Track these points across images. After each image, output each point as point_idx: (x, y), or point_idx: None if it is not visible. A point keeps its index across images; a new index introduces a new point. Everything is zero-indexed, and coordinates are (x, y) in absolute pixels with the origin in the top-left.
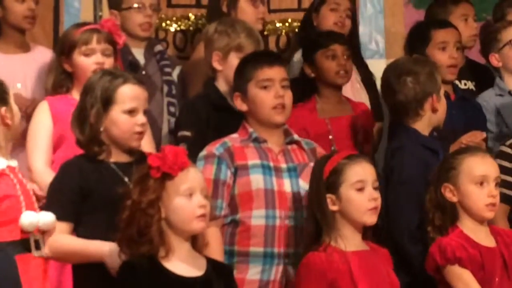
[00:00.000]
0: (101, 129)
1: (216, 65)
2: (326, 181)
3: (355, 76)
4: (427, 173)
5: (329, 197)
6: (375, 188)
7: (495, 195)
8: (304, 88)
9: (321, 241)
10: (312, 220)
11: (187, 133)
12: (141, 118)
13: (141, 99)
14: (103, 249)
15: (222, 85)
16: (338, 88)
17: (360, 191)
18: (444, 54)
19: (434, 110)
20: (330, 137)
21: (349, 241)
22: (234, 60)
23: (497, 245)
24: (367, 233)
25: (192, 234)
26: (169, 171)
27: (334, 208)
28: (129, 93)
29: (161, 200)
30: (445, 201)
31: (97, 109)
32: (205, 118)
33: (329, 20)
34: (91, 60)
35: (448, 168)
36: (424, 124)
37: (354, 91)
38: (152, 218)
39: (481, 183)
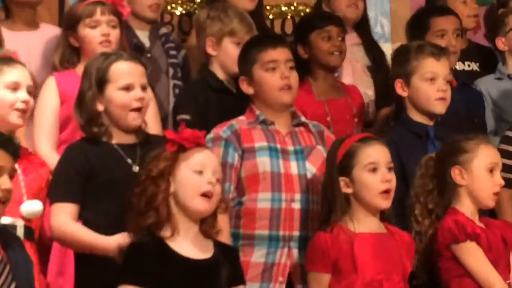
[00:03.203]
0: (99, 109)
1: (210, 50)
2: (339, 164)
3: (361, 62)
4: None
5: (343, 180)
6: (389, 170)
7: (502, 183)
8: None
9: (330, 222)
10: (326, 203)
11: (186, 117)
12: (138, 93)
13: (135, 74)
14: (112, 244)
15: (217, 70)
16: (331, 70)
17: (373, 173)
18: (442, 42)
19: (401, 95)
20: (328, 119)
21: (362, 223)
22: (228, 45)
23: (490, 229)
24: (387, 217)
25: (196, 214)
26: (183, 142)
27: (348, 190)
28: (122, 70)
29: (172, 174)
30: (449, 182)
31: (92, 91)
32: (203, 101)
33: (341, 3)
34: (97, 32)
35: (459, 150)
36: (411, 109)
37: (356, 77)
38: (159, 188)
39: (491, 170)
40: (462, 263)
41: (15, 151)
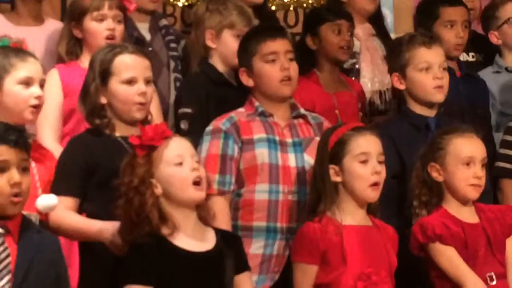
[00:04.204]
0: (102, 102)
1: (210, 43)
2: (330, 152)
3: (380, 53)
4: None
5: (333, 168)
6: (379, 162)
7: (481, 176)
8: (302, 60)
9: (317, 211)
10: (314, 191)
11: (188, 110)
12: (141, 87)
13: (139, 68)
14: (104, 229)
15: (216, 63)
16: (338, 63)
17: (364, 163)
18: (451, 32)
19: (398, 88)
20: (336, 111)
21: (349, 215)
22: (227, 37)
23: (480, 221)
24: (374, 209)
25: (192, 204)
26: (151, 143)
27: (337, 179)
28: (125, 63)
29: (154, 176)
30: (431, 180)
31: (96, 83)
32: (205, 93)
33: None
34: (103, 26)
35: (436, 148)
36: (411, 101)
37: (375, 68)
38: (145, 196)
39: (468, 164)
40: (435, 263)
41: (19, 142)
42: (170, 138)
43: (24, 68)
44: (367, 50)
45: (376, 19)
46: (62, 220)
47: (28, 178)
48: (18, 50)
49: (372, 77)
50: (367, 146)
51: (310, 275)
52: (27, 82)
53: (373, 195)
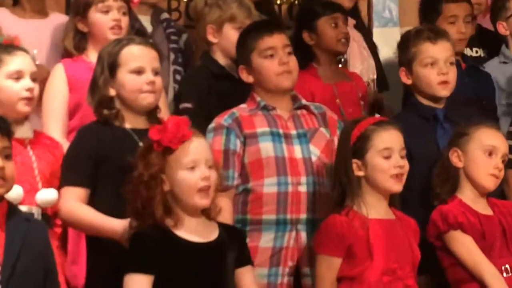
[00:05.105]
0: (111, 94)
1: (211, 38)
2: (353, 146)
3: (363, 44)
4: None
5: (355, 162)
6: (402, 157)
7: (501, 168)
8: (299, 55)
9: (344, 205)
10: (337, 185)
11: (189, 105)
12: (149, 76)
13: (146, 58)
14: (118, 227)
15: (219, 57)
16: (336, 56)
17: (387, 158)
18: (453, 28)
19: (405, 83)
20: (337, 101)
21: (373, 208)
22: (229, 31)
23: (494, 214)
24: (396, 201)
25: (196, 209)
26: (169, 145)
27: (360, 173)
28: (132, 53)
29: (165, 172)
30: (450, 165)
31: (104, 76)
32: (206, 88)
33: None
34: (108, 17)
35: (460, 134)
36: (418, 96)
37: (363, 58)
38: (153, 191)
39: (490, 154)
40: (452, 252)
41: (0, 128)
42: (190, 140)
43: (13, 62)
44: (354, 41)
45: (354, 12)
46: (74, 212)
47: (11, 165)
48: (8, 46)
49: (361, 68)
50: (390, 141)
51: (335, 268)
52: (17, 76)
53: (396, 186)
